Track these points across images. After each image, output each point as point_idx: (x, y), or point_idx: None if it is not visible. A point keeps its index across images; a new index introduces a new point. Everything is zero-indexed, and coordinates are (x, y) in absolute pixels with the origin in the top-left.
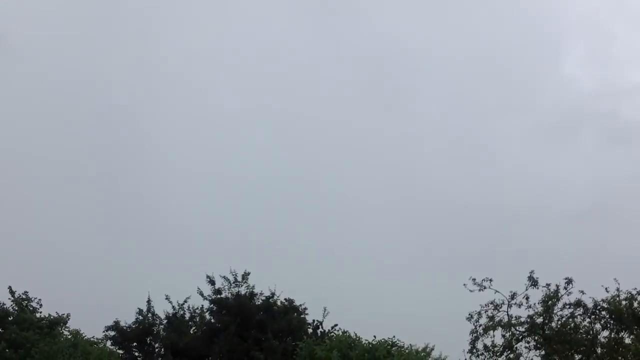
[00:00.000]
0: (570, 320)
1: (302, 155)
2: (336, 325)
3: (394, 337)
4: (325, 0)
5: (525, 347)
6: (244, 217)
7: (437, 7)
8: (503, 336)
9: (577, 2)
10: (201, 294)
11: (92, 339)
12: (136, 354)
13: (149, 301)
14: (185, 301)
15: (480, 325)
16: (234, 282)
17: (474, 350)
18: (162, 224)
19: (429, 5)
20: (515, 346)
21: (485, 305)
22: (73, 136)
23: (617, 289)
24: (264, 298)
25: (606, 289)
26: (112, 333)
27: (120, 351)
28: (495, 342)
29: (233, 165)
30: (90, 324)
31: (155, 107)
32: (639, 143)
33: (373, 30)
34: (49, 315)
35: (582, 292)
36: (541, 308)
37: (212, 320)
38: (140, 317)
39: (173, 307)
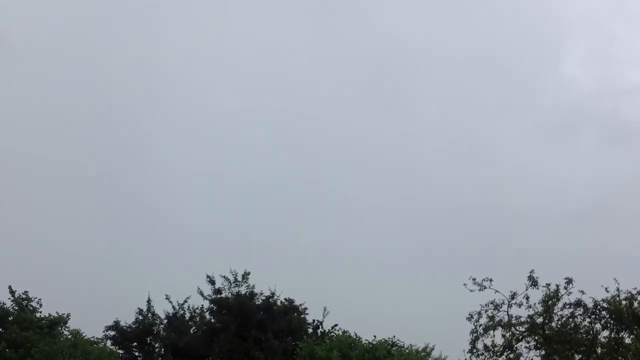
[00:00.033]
0: (571, 320)
1: (302, 155)
2: (336, 325)
3: (394, 337)
4: (325, 0)
5: (526, 347)
6: (244, 217)
7: (437, 7)
8: (503, 336)
9: (577, 2)
10: (201, 293)
11: (92, 339)
12: (136, 353)
13: (149, 301)
14: (186, 301)
15: (481, 325)
16: (234, 282)
17: (474, 350)
18: (162, 224)
19: (429, 5)
20: (515, 346)
21: (486, 305)
22: (73, 136)
23: (617, 289)
24: (264, 298)
25: (606, 289)
26: (112, 333)
27: (121, 351)
28: (495, 342)
29: (233, 165)
30: (90, 324)
31: (155, 107)
32: (639, 143)
33: (373, 30)
34: (49, 315)
35: (582, 292)
36: (541, 308)
37: (212, 320)
38: (141, 317)
39: (173, 307)
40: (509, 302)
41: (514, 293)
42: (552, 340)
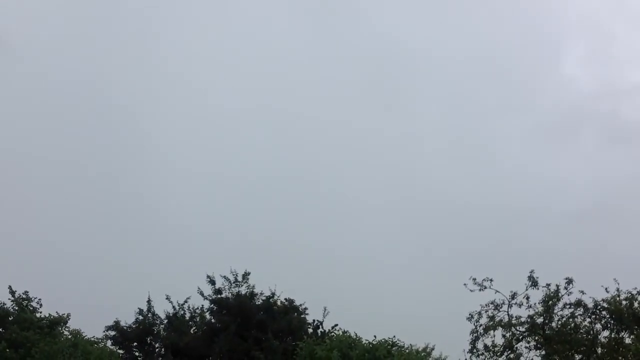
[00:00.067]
0: (571, 320)
1: (302, 155)
2: (336, 325)
3: (394, 337)
4: (325, 0)
5: (526, 347)
6: (244, 217)
7: (437, 7)
8: (503, 336)
9: (577, 2)
10: (201, 293)
11: (92, 339)
12: (136, 353)
13: (149, 301)
14: (186, 301)
15: (481, 325)
16: (234, 282)
17: (474, 350)
18: (162, 224)
19: (429, 5)
20: (515, 346)
21: (486, 305)
22: (73, 136)
23: (617, 289)
24: (264, 298)
25: (606, 289)
26: (112, 333)
27: (121, 351)
28: (495, 342)
29: (233, 165)
30: (91, 324)
31: (155, 107)
32: (639, 143)
33: (373, 30)
34: (49, 315)
35: (582, 292)
36: (541, 308)
37: (213, 320)
38: (141, 317)
39: (173, 307)
40: (509, 302)
41: (514, 293)
42: (553, 340)
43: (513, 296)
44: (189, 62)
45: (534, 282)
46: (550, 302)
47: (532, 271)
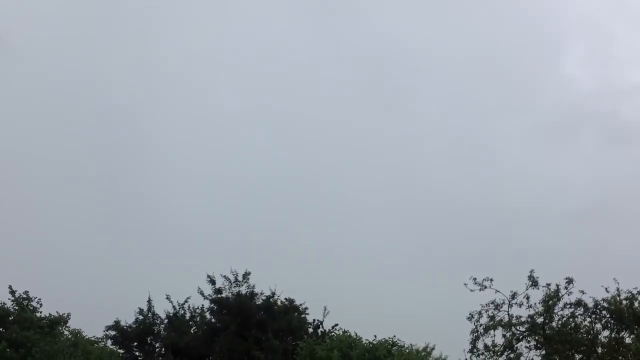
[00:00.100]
0: (571, 320)
1: (302, 155)
2: (336, 325)
3: (394, 336)
4: (325, 0)
5: (526, 347)
6: (244, 217)
7: (437, 7)
8: (503, 336)
9: (577, 2)
10: (202, 293)
11: (92, 339)
12: (137, 353)
13: (149, 301)
14: (186, 301)
15: (481, 325)
16: (234, 282)
17: (475, 350)
18: (162, 224)
19: (429, 5)
20: (515, 346)
21: (486, 305)
22: (73, 136)
23: (617, 289)
24: (264, 298)
25: (606, 289)
26: (112, 333)
27: (121, 351)
28: (495, 342)
29: (233, 165)
30: (91, 323)
31: (155, 107)
32: (639, 143)
33: (373, 30)
34: (50, 314)
35: (583, 292)
36: (542, 308)
37: (213, 320)
38: (141, 317)
39: (173, 306)
40: (509, 302)
41: (515, 293)
42: (553, 340)
43: (513, 296)
44: (189, 62)
45: (534, 282)
46: (551, 301)
47: (532, 271)
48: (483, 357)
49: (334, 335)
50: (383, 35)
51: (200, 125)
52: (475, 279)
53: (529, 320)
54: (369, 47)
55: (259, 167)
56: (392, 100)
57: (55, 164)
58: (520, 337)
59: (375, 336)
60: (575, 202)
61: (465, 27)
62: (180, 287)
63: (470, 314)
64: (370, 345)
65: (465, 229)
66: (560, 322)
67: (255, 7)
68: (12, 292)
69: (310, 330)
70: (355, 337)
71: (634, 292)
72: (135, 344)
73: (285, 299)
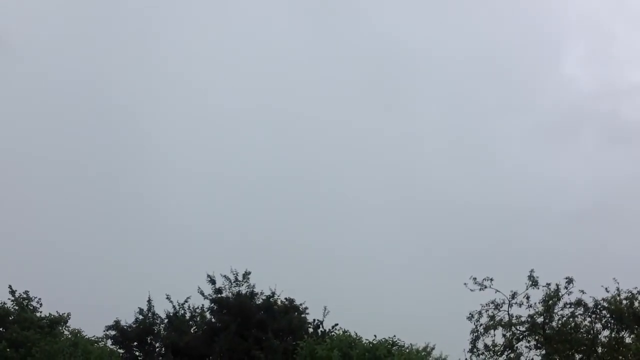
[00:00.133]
0: (571, 319)
1: (302, 155)
2: (337, 324)
3: (394, 336)
4: (325, 0)
5: (526, 347)
6: (244, 217)
7: (437, 7)
8: (504, 335)
9: (577, 2)
10: (202, 293)
11: (92, 339)
12: (137, 353)
13: (149, 301)
14: (186, 301)
15: (481, 325)
16: (234, 282)
17: (475, 350)
18: (162, 224)
19: (429, 5)
20: (515, 345)
21: (486, 304)
22: (73, 136)
23: (617, 289)
24: (264, 297)
25: (606, 289)
26: (112, 332)
27: (121, 350)
28: (495, 342)
29: (233, 165)
30: (91, 323)
31: (155, 107)
32: (639, 143)
33: (373, 30)
34: (50, 314)
35: (583, 292)
36: (542, 307)
37: (213, 320)
38: (141, 317)
39: (173, 306)
40: (509, 301)
41: (515, 293)
42: (553, 340)
43: (513, 296)
44: (189, 62)
45: (534, 282)
46: (551, 301)
47: (532, 271)
48: (483, 357)
49: (334, 335)
50: (383, 35)
51: (200, 125)
52: (475, 278)
53: (529, 320)
54: (369, 47)
55: (259, 167)
56: (392, 100)
57: (55, 164)
58: (521, 336)
59: (375, 336)
60: (575, 202)
61: (465, 27)
62: (180, 287)
63: (470, 313)
64: (371, 345)
65: (465, 229)
66: (560, 321)
67: (255, 7)
68: (12, 292)
69: (311, 330)
70: (355, 337)
71: (634, 292)
72: (135, 343)
73: (285, 298)
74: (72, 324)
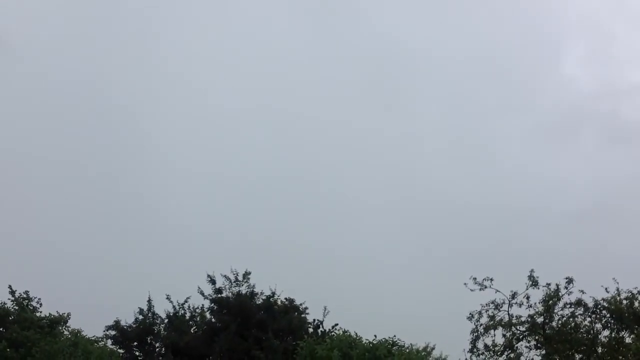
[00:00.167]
0: (571, 319)
1: (302, 155)
2: (337, 324)
3: (394, 336)
4: (325, 0)
5: (526, 347)
6: (244, 217)
7: (437, 7)
8: (504, 335)
9: (577, 2)
10: (202, 293)
11: (92, 338)
12: (137, 353)
13: (149, 301)
14: (186, 301)
15: (481, 325)
16: (234, 282)
17: (475, 350)
18: (162, 224)
19: (429, 5)
20: (515, 345)
21: (486, 304)
22: (73, 136)
23: (617, 289)
24: (264, 297)
25: (606, 289)
26: (112, 332)
27: (121, 350)
28: (495, 342)
29: (233, 165)
30: (91, 323)
31: (155, 107)
32: (639, 143)
33: (373, 30)
34: (50, 314)
35: (582, 292)
36: (542, 307)
37: (213, 320)
38: (141, 317)
39: (173, 306)
40: (509, 301)
41: (515, 293)
42: (553, 340)
43: (513, 296)
44: (189, 62)
45: (534, 282)
46: (551, 301)
47: (532, 271)
48: (483, 357)
49: (334, 335)
50: (383, 35)
51: (200, 125)
52: (475, 278)
53: (529, 320)
54: (369, 47)
55: (259, 167)
56: (392, 100)
57: (55, 164)
58: (521, 336)
59: (375, 336)
60: (575, 202)
61: (465, 27)
62: (180, 287)
63: (470, 313)
64: (371, 345)
65: (465, 229)
66: (560, 321)
67: (255, 7)
68: (12, 292)
69: (311, 330)
70: (355, 336)
71: (634, 291)
72: (135, 343)
73: (285, 298)
74: (72, 324)
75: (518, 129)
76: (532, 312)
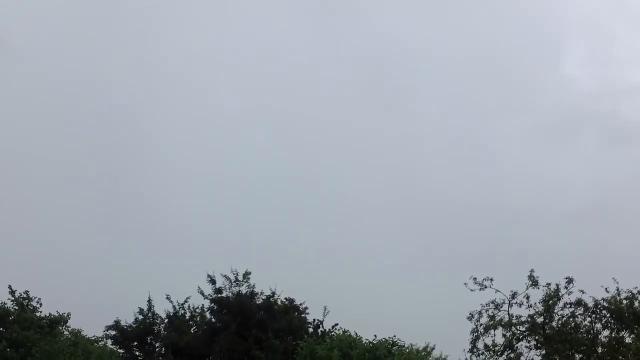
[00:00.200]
0: (571, 319)
1: (302, 155)
2: (337, 324)
3: (394, 336)
4: (325, 0)
5: (526, 347)
6: (244, 217)
7: (437, 7)
8: (504, 335)
9: (577, 2)
10: (202, 293)
11: (92, 338)
12: (137, 353)
13: (149, 301)
14: (186, 301)
15: (481, 325)
16: (234, 282)
17: (475, 350)
18: (162, 224)
19: (429, 5)
20: (515, 345)
21: (486, 304)
22: (73, 136)
23: (617, 289)
24: (264, 297)
25: (606, 289)
26: (112, 332)
27: (121, 350)
28: (495, 342)
29: (233, 165)
30: (91, 323)
31: (155, 107)
32: (639, 143)
33: (373, 30)
34: (50, 314)
35: (582, 292)
36: (542, 307)
37: (213, 320)
38: (141, 317)
39: (173, 306)
40: (509, 301)
41: (515, 293)
42: (553, 340)
43: (513, 296)
44: (189, 62)
45: (534, 282)
46: (551, 301)
47: (532, 271)
48: (483, 357)
49: (334, 335)
50: (383, 35)
51: (200, 125)
52: (475, 278)
53: (529, 320)
54: (369, 47)
55: (259, 167)
56: (392, 100)
57: (55, 164)
58: (521, 336)
59: (375, 336)
60: (575, 202)
61: (465, 27)
62: (180, 287)
63: (470, 313)
64: (371, 345)
65: (465, 229)
66: (560, 321)
67: (255, 7)
68: (12, 292)
69: (311, 329)
70: (355, 336)
71: (634, 291)
72: (135, 343)
73: (285, 298)
74: (72, 324)
75: (518, 129)
76: (532, 312)
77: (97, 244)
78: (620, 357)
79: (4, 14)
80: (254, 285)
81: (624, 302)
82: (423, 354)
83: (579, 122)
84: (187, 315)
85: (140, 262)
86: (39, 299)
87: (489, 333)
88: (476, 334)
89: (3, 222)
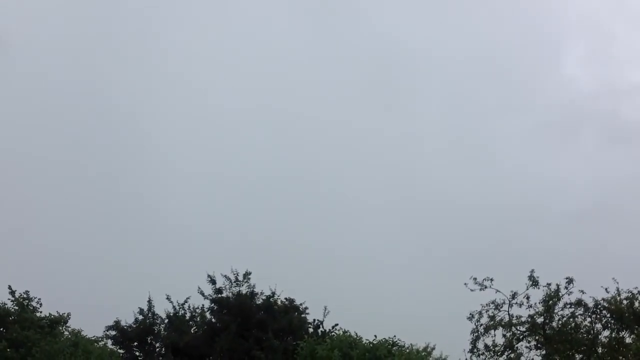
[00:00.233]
0: (571, 319)
1: (302, 155)
2: (337, 324)
3: (394, 336)
4: (325, 0)
5: (526, 347)
6: (244, 217)
7: (437, 7)
8: (504, 336)
9: (577, 2)
10: (202, 293)
11: (92, 339)
12: (137, 353)
13: (149, 301)
14: (186, 301)
15: (481, 325)
16: (234, 282)
17: (475, 350)
18: (162, 224)
19: (429, 5)
20: (516, 346)
21: (486, 304)
22: (73, 136)
23: (617, 289)
24: (264, 297)
25: (606, 289)
26: (112, 332)
27: (121, 350)
28: (496, 342)
29: (233, 165)
30: (91, 323)
31: (155, 107)
32: (639, 143)
33: (373, 30)
34: (50, 314)
35: (583, 292)
36: (542, 308)
37: (213, 320)
38: (141, 317)
39: (174, 306)
40: (509, 301)
41: (515, 293)
42: (553, 340)
43: (513, 296)
44: (189, 62)
45: (534, 282)
46: (551, 301)
47: (532, 271)
48: (483, 357)
49: (334, 335)
50: (383, 35)
51: (200, 125)
52: (475, 278)
53: (529, 320)
54: (369, 47)
55: (259, 167)
56: (392, 100)
57: (55, 164)
58: (521, 337)
59: (375, 336)
60: (575, 202)
61: (465, 27)
62: (180, 287)
63: (470, 313)
64: (371, 345)
65: (465, 229)
66: (560, 322)
67: (255, 7)
68: (12, 292)
69: (311, 330)
70: (355, 337)
71: (634, 292)
72: (135, 343)
73: (286, 298)
74: (72, 324)
75: (518, 129)
76: (532, 312)
77: (97, 244)
78: (621, 358)
79: (3, 14)
80: (254, 286)
81: (624, 302)
82: (423, 354)
83: (579, 122)
84: (187, 315)
85: (140, 262)
86: (39, 299)
87: (489, 333)
88: (476, 334)
89: (3, 222)
